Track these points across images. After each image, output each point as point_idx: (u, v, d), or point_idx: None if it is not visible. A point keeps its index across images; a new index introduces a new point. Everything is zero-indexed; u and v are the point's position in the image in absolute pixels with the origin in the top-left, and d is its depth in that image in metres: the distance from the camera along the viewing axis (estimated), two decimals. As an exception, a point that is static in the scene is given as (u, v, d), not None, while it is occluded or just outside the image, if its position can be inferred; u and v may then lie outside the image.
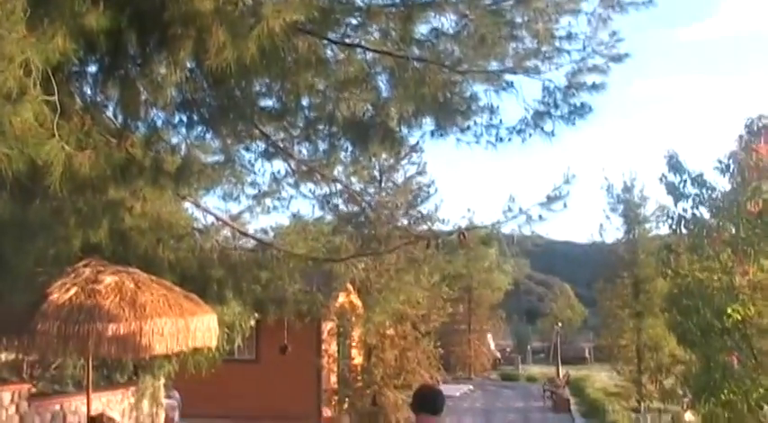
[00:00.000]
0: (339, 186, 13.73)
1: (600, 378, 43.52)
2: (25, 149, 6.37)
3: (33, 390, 13.84)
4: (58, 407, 13.97)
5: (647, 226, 37.77)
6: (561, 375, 38.34)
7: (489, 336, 51.93)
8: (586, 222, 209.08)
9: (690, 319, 10.61)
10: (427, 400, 6.32)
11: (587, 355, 62.80)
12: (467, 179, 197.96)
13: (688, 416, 14.89)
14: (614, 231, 38.83)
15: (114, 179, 8.53)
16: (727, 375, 9.96)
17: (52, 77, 6.23)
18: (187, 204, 12.66)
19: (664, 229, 27.74)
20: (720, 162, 10.77)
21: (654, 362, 34.50)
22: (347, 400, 18.89)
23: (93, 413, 10.95)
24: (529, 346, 66.73)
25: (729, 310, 9.18)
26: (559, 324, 51.10)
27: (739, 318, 9.30)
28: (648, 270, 34.84)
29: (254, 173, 11.74)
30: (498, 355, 55.93)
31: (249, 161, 10.94)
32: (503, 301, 52.14)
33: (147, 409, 16.49)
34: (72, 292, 9.37)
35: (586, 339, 64.18)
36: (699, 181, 10.80)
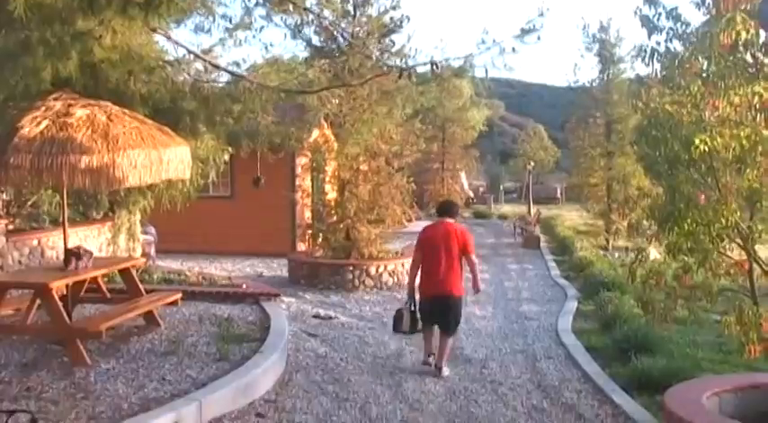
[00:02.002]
0: (311, 17, 13.56)
1: (570, 217, 44.28)
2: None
3: (11, 226, 13.99)
4: (35, 241, 14.18)
5: (622, 66, 37.70)
6: (532, 214, 38.87)
7: (462, 175, 52.06)
8: (562, 66, 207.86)
9: (657, 151, 10.78)
10: (445, 208, 10.62)
11: (559, 195, 63.63)
12: (441, 19, 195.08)
13: (653, 253, 15.23)
14: (589, 71, 38.86)
15: (82, 9, 8.38)
16: (691, 206, 10.20)
17: None
18: (158, 37, 12.49)
19: (639, 69, 27.73)
20: (697, -5, 10.65)
21: (622, 195, 35.20)
22: (321, 234, 19.15)
23: (70, 246, 11.11)
24: (501, 186, 67.35)
25: (697, 141, 9.28)
26: (532, 164, 51.44)
27: (706, 150, 9.41)
28: (621, 110, 35.04)
29: (225, 5, 11.56)
30: (471, 193, 56.30)
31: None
32: (477, 142, 52.06)
33: (124, 244, 16.74)
34: (43, 125, 9.33)
35: (558, 179, 64.81)
36: (673, 15, 10.74)
